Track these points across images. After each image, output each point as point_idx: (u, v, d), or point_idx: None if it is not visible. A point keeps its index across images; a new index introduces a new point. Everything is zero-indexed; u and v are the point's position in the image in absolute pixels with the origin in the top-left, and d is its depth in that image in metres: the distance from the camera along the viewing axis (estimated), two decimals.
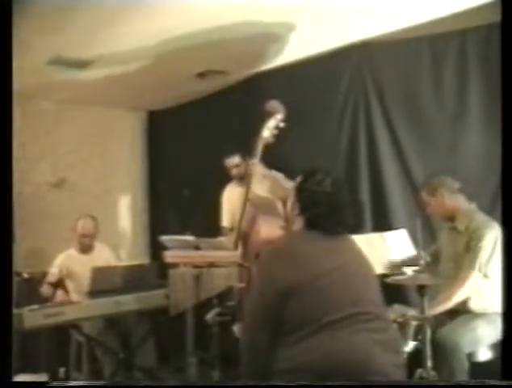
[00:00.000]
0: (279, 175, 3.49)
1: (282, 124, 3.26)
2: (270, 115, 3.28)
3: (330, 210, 1.88)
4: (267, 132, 3.27)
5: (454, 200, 2.79)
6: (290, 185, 3.31)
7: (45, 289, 3.74)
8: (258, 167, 3.29)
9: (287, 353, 1.75)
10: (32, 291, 3.75)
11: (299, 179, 2.00)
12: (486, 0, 2.82)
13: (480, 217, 2.71)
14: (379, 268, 2.76)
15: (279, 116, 3.26)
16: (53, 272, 3.81)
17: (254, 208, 3.26)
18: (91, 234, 3.91)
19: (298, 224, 1.94)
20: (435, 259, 2.91)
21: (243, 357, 1.86)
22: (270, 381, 1.76)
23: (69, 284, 3.81)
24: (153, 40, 3.37)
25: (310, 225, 1.91)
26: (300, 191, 1.97)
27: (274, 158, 3.65)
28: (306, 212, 1.92)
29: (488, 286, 2.59)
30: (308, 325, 1.73)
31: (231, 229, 3.69)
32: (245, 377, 1.88)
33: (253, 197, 3.31)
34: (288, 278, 1.76)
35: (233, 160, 3.70)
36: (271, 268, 1.83)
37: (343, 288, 1.79)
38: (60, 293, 3.62)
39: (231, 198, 3.75)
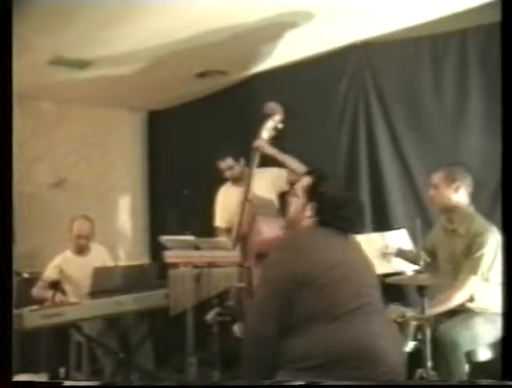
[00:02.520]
0: (287, 157, 3.43)
1: (280, 126, 3.26)
2: (268, 116, 3.28)
3: (340, 211, 1.96)
4: (266, 133, 3.27)
5: (461, 197, 2.75)
6: (302, 168, 3.31)
7: (36, 292, 3.72)
8: (266, 147, 3.28)
9: (295, 344, 1.79)
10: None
11: (313, 179, 2.04)
12: (486, 0, 2.82)
13: (481, 221, 2.68)
14: (378, 268, 2.77)
15: (278, 118, 3.27)
16: (47, 274, 3.80)
17: (254, 209, 3.26)
18: (87, 235, 3.87)
19: (307, 222, 2.00)
20: (431, 257, 2.90)
21: (247, 351, 1.87)
22: (274, 374, 1.79)
23: (66, 287, 3.80)
24: (154, 41, 3.37)
25: (319, 223, 1.98)
26: (313, 190, 2.01)
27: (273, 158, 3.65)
28: (317, 210, 1.98)
29: (488, 287, 2.58)
30: (317, 316, 1.78)
31: (226, 230, 3.68)
32: (248, 373, 1.89)
33: (253, 198, 3.31)
34: (301, 269, 1.81)
35: (226, 162, 3.64)
36: (285, 258, 1.88)
37: (351, 282, 1.86)
38: (57, 295, 3.58)
39: (227, 198, 3.72)
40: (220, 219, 3.77)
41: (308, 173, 2.10)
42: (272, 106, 3.28)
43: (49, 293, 3.53)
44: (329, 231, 1.96)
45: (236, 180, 3.62)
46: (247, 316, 2.00)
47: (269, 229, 3.14)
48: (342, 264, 1.88)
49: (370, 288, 1.93)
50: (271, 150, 3.35)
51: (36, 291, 3.72)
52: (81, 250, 3.89)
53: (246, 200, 3.30)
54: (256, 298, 1.94)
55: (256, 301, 1.93)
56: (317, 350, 1.75)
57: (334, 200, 1.97)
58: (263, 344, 1.83)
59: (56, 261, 3.84)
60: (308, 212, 1.99)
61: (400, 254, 3.07)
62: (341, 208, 1.96)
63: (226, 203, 3.71)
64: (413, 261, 3.02)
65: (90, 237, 3.90)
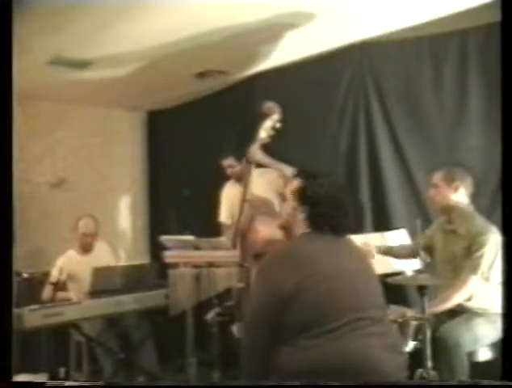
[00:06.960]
0: (280, 164, 3.45)
1: (278, 125, 3.26)
2: (266, 116, 3.28)
3: (333, 211, 1.88)
4: (264, 133, 3.27)
5: (460, 196, 2.75)
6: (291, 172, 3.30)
7: (46, 295, 3.69)
8: (258, 154, 3.28)
9: (288, 358, 1.74)
10: (32, 291, 3.75)
11: (300, 181, 1.98)
12: (486, 0, 2.82)
13: (481, 221, 2.67)
14: (379, 268, 2.76)
15: (276, 117, 3.26)
16: (53, 274, 3.80)
17: (252, 208, 3.26)
18: (93, 233, 3.90)
19: (300, 226, 1.93)
20: (429, 255, 2.90)
21: (243, 358, 1.86)
22: (268, 382, 1.76)
23: (71, 286, 3.79)
24: (153, 41, 3.37)
25: (312, 226, 1.90)
26: (301, 193, 1.95)
27: (274, 159, 3.65)
28: (308, 213, 1.91)
29: (488, 288, 2.58)
30: (309, 330, 1.72)
31: (230, 226, 3.69)
32: (244, 377, 1.89)
33: (251, 197, 3.31)
34: (291, 283, 1.75)
35: (228, 161, 3.71)
36: (273, 274, 1.81)
37: (346, 293, 1.79)
38: (58, 294, 3.58)
39: (229, 195, 3.76)
40: (224, 214, 3.80)
41: (297, 175, 2.02)
42: (270, 105, 3.28)
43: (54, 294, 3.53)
44: (320, 236, 1.88)
45: (238, 178, 3.65)
46: (242, 325, 1.97)
47: (266, 229, 3.13)
48: (333, 274, 1.79)
49: (367, 295, 1.83)
50: (263, 158, 3.34)
51: (45, 294, 3.69)
52: (86, 248, 3.90)
53: (244, 199, 3.30)
54: (248, 311, 1.89)
55: (248, 314, 1.88)
56: (311, 366, 1.69)
57: (324, 200, 1.88)
58: (256, 356, 1.81)
59: (59, 262, 3.84)
60: (300, 215, 1.92)
61: (391, 252, 3.08)
62: (332, 207, 1.87)
63: (229, 199, 3.75)
64: (405, 256, 3.04)
65: (96, 235, 3.92)
